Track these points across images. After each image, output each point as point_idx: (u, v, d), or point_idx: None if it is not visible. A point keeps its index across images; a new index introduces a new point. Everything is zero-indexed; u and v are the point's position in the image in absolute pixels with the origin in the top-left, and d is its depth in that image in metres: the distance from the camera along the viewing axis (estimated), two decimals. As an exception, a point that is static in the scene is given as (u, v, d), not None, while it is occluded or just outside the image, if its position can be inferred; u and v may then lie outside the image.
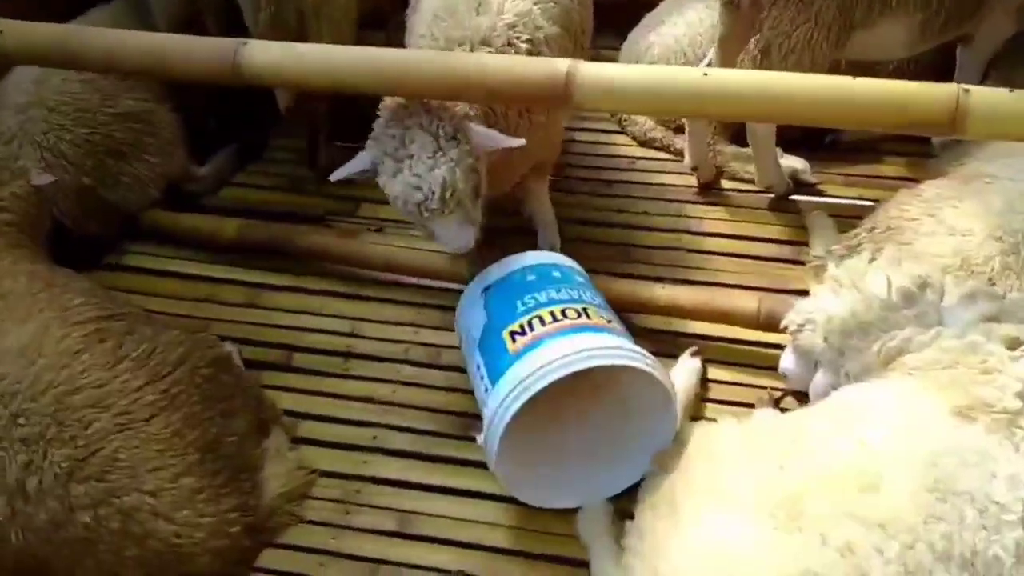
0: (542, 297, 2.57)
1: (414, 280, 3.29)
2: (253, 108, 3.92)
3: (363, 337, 3.12)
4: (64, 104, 3.37)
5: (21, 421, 2.25)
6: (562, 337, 2.44)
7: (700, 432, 2.47)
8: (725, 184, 3.62)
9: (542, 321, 2.50)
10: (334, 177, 2.62)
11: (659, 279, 3.22)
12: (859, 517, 1.94)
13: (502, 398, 2.37)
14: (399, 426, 2.85)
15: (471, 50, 2.58)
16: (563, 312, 2.51)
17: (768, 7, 2.95)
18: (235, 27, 3.47)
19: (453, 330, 3.06)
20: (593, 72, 2.32)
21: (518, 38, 2.65)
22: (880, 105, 2.15)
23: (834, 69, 2.92)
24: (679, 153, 3.71)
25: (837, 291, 2.51)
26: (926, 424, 2.07)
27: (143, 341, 2.52)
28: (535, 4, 2.74)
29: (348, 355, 3.07)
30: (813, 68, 2.94)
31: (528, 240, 3.36)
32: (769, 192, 3.49)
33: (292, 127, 3.90)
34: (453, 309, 3.12)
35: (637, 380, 2.48)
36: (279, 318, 3.20)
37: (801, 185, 3.52)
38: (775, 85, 2.22)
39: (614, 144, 3.88)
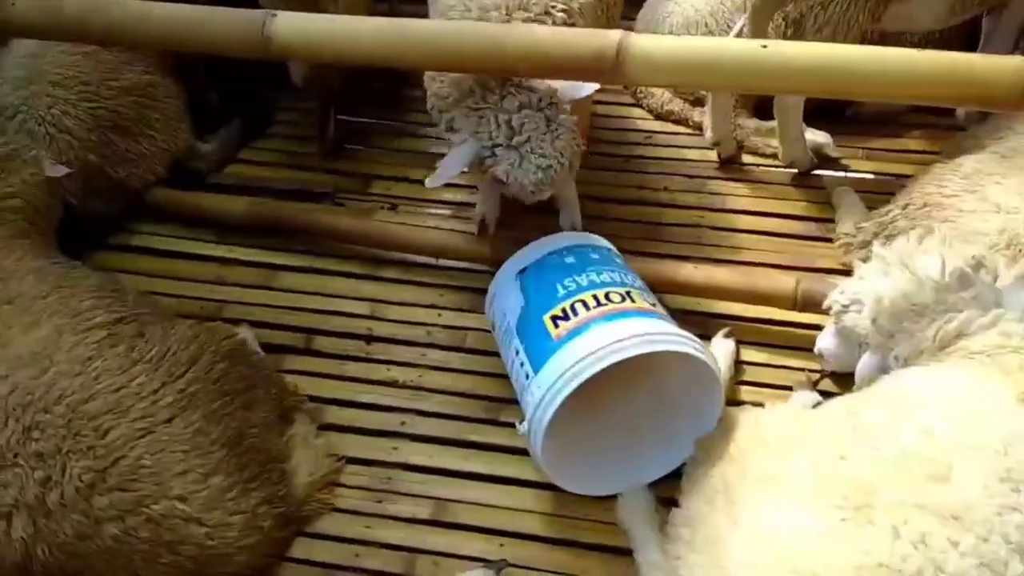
0: (583, 280, 2.50)
1: (432, 260, 3.19)
2: (255, 82, 3.81)
3: (384, 319, 3.03)
4: (67, 78, 3.23)
5: (35, 435, 2.14)
6: (608, 322, 2.37)
7: (748, 418, 2.41)
8: (746, 159, 3.54)
9: (586, 305, 2.43)
10: (432, 183, 2.56)
11: (684, 258, 3.15)
12: (931, 509, 1.88)
13: (548, 386, 2.30)
14: (427, 411, 2.77)
15: (507, 18, 2.48)
16: (607, 296, 2.45)
17: (805, -23, 2.88)
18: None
19: (476, 312, 3.00)
20: (645, 44, 2.25)
21: (554, 7, 2.55)
22: (946, 79, 2.08)
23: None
24: (697, 127, 3.63)
25: (886, 271, 2.44)
26: (994, 411, 2.02)
27: (155, 343, 2.42)
28: None
29: (370, 338, 2.98)
30: (846, 40, 2.86)
31: (546, 218, 3.27)
32: (792, 167, 3.42)
33: (296, 100, 3.80)
34: (475, 290, 3.08)
35: (681, 364, 2.43)
36: (295, 300, 3.10)
37: (824, 160, 3.45)
38: (841, 59, 2.15)
39: (629, 117, 3.79)
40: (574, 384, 2.26)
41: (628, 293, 2.47)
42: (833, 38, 2.87)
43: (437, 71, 2.49)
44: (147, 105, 3.39)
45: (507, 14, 2.50)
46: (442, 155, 3.52)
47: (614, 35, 2.25)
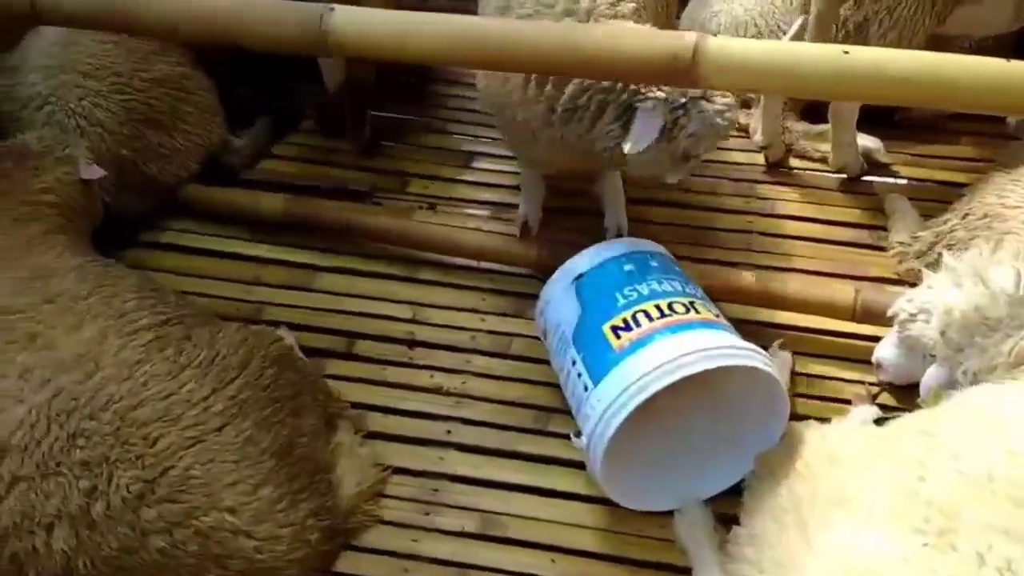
0: (644, 289, 2.43)
1: (472, 262, 3.11)
2: (284, 74, 3.72)
3: (426, 324, 2.95)
4: (98, 69, 3.13)
5: (81, 442, 2.04)
6: (673, 334, 2.30)
7: (814, 433, 2.33)
8: (794, 163, 3.47)
9: (648, 316, 2.35)
10: (633, 150, 2.38)
11: (733, 264, 3.08)
12: (1017, 534, 1.80)
13: (611, 400, 2.23)
14: (473, 420, 2.69)
15: (577, 16, 2.40)
16: (670, 306, 2.37)
17: (873, -22, 2.80)
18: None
19: (520, 317, 2.94)
20: (722, 47, 2.16)
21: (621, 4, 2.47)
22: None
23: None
24: (743, 129, 3.55)
25: (958, 282, 2.36)
26: (1080, 433, 1.95)
27: (203, 347, 2.32)
28: None
29: (412, 343, 2.89)
30: (911, 46, 2.80)
31: (590, 220, 3.20)
32: (842, 172, 3.35)
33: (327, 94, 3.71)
34: (518, 294, 3.01)
35: (744, 377, 2.35)
36: (334, 302, 3.01)
37: (874, 165, 3.38)
38: (933, 67, 2.07)
39: (673, 117, 3.70)
40: (639, 399, 2.19)
41: (692, 304, 2.39)
42: (899, 43, 2.80)
43: (504, 71, 2.39)
44: (180, 98, 3.30)
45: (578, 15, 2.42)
46: (477, 153, 3.54)
47: (690, 36, 2.17)
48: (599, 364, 2.33)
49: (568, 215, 3.25)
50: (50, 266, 2.44)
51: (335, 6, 2.31)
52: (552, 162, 2.82)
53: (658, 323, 2.32)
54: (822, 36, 2.89)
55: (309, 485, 2.31)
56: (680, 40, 2.15)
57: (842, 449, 2.21)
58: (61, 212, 2.71)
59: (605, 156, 2.51)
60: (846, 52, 2.08)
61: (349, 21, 2.29)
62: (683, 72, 2.16)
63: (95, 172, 2.85)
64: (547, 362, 2.71)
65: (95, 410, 2.08)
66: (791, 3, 3.39)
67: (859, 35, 2.83)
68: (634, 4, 2.48)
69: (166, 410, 2.13)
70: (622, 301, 2.40)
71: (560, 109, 2.47)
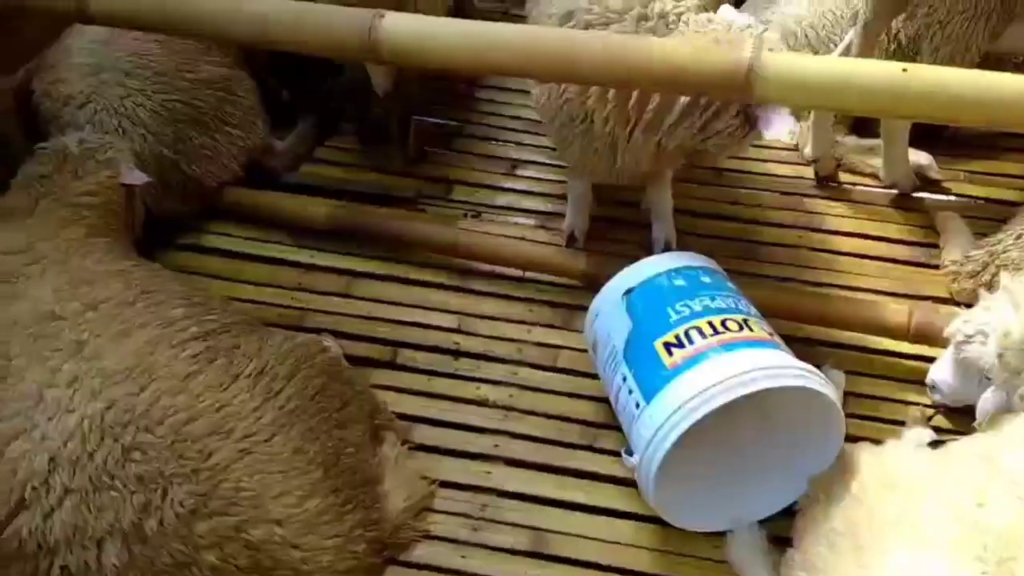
0: (696, 305, 2.39)
1: (518, 272, 3.07)
2: (324, 77, 3.70)
3: (471, 334, 2.91)
4: (141, 68, 3.12)
5: (136, 456, 1.99)
6: (727, 352, 2.26)
7: (870, 456, 2.29)
8: (844, 177, 3.43)
9: (701, 333, 2.31)
10: (770, 136, 2.37)
11: (783, 279, 3.05)
12: (1080, 565, 1.77)
13: (663, 419, 2.19)
14: (521, 434, 2.65)
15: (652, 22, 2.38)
16: (723, 323, 2.33)
17: (926, -7, 2.75)
18: None
19: (567, 329, 2.92)
20: (779, 63, 2.12)
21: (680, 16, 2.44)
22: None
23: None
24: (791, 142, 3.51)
25: (1016, 304, 2.31)
26: None
27: (252, 357, 2.29)
28: None
29: (457, 353, 2.86)
30: (963, 63, 2.75)
31: (637, 233, 3.17)
32: (893, 188, 3.31)
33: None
34: (564, 306, 2.98)
35: (798, 397, 2.30)
36: (378, 310, 2.98)
37: (925, 182, 3.34)
38: (990, 86, 2.02)
39: (720, 130, 3.66)
40: (693, 419, 2.15)
41: (745, 321, 2.35)
42: (951, 59, 2.75)
43: (557, 82, 2.36)
44: (224, 99, 3.27)
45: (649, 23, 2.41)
46: (523, 161, 3.52)
47: (745, 51, 2.13)
48: (651, 381, 2.29)
49: (614, 226, 3.22)
50: (92, 270, 2.40)
51: (385, 12, 2.27)
52: (608, 171, 2.77)
53: (712, 340, 2.28)
54: (867, 49, 2.85)
55: (355, 496, 2.27)
56: (735, 55, 2.11)
57: (898, 473, 2.18)
58: (102, 215, 2.67)
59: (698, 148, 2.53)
60: (904, 70, 2.03)
61: (400, 29, 2.25)
62: (738, 88, 2.12)
63: (138, 177, 2.81)
64: (595, 375, 2.68)
65: (151, 423, 2.03)
66: (843, 15, 3.33)
67: (910, 50, 2.79)
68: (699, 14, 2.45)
69: (220, 423, 2.10)
70: (674, 317, 2.36)
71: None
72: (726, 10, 2.46)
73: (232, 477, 2.05)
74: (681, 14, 2.41)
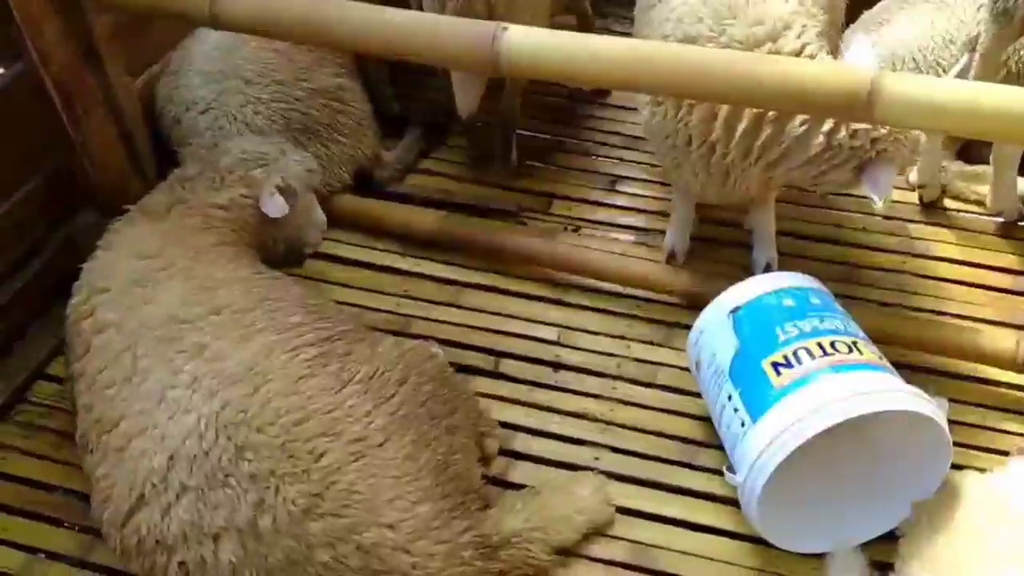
0: (805, 326, 2.39)
1: (618, 287, 3.10)
2: (434, 90, 3.77)
3: (571, 347, 2.95)
4: (261, 76, 3.21)
5: (249, 455, 2.06)
6: (836, 373, 2.26)
7: (978, 485, 2.28)
8: (948, 203, 3.40)
9: (810, 353, 2.32)
10: (878, 199, 2.46)
11: (886, 304, 3.04)
12: None
13: (771, 438, 2.20)
14: (621, 448, 2.67)
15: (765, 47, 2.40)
16: (832, 345, 2.33)
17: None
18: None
19: (666, 347, 2.94)
20: (901, 84, 2.11)
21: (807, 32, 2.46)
22: None
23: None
24: (895, 166, 3.49)
25: None
26: None
27: (363, 362, 2.33)
28: None
29: (557, 365, 2.89)
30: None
31: (737, 252, 3.18)
32: (999, 216, 3.27)
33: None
34: (663, 323, 3.01)
35: (904, 421, 2.29)
36: (481, 319, 3.03)
37: (1032, 210, 3.29)
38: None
39: (822, 151, 3.65)
40: (800, 440, 2.16)
41: (855, 344, 2.35)
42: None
43: (675, 97, 2.39)
44: (338, 109, 3.36)
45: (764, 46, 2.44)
46: (623, 177, 3.54)
47: (866, 73, 2.13)
48: (758, 400, 2.31)
49: (714, 246, 3.24)
50: (217, 277, 2.46)
51: (509, 25, 2.32)
52: (716, 193, 2.79)
53: (821, 361, 2.29)
54: (987, 75, 2.82)
55: (461, 504, 2.31)
56: (856, 75, 2.11)
57: (1011, 504, 2.16)
58: (234, 228, 2.74)
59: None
60: (1031, 95, 2.03)
61: (523, 42, 2.29)
62: (860, 110, 2.12)
63: (277, 208, 2.83)
64: (693, 393, 2.70)
65: (263, 423, 2.10)
66: (952, 39, 3.30)
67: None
68: (817, 30, 2.47)
69: (330, 424, 2.15)
70: (783, 337, 2.37)
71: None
72: (856, 51, 2.47)
73: (345, 480, 2.10)
74: (814, 56, 2.42)
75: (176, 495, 2.05)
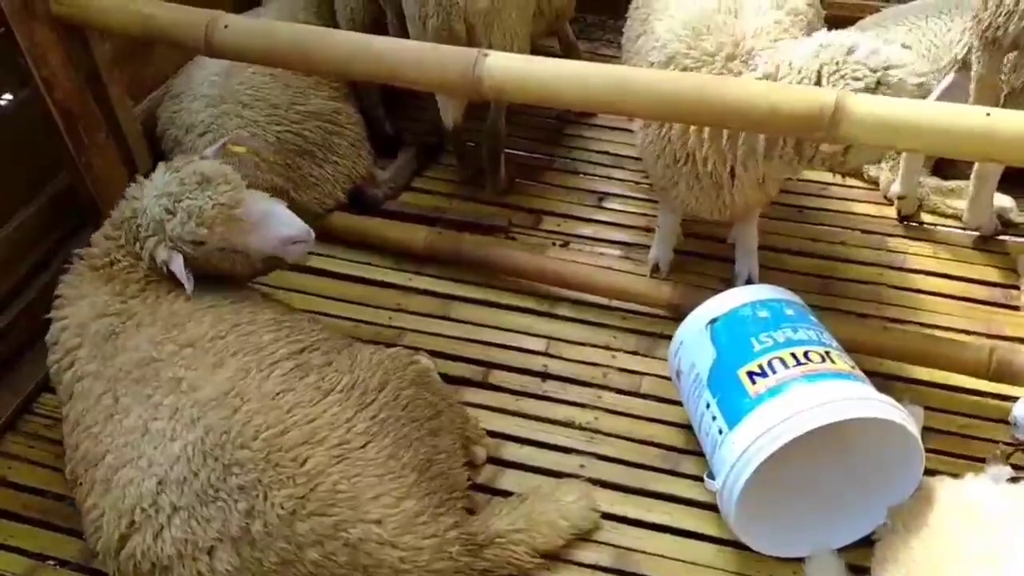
0: (779, 336, 2.48)
1: (606, 301, 3.20)
2: (426, 110, 3.87)
3: (559, 358, 3.05)
4: (257, 100, 3.33)
5: (235, 470, 2.16)
6: (808, 383, 2.35)
7: (951, 490, 2.34)
8: (925, 217, 3.50)
9: (784, 363, 2.41)
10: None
11: (863, 316, 3.13)
12: None
13: (746, 445, 2.29)
14: (606, 456, 2.76)
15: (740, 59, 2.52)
16: (806, 354, 2.42)
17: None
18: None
19: (650, 357, 3.02)
20: (863, 105, 2.20)
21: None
22: None
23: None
24: (872, 181, 3.59)
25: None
26: None
27: (343, 373, 2.43)
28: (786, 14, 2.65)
29: (545, 375, 2.99)
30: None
31: (720, 266, 3.28)
32: (976, 230, 3.36)
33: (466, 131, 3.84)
34: (648, 334, 3.09)
35: (877, 429, 2.38)
36: (472, 332, 3.13)
37: (1007, 225, 3.39)
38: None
39: (802, 168, 3.75)
40: (775, 446, 2.25)
41: (827, 353, 2.44)
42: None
43: (645, 119, 2.49)
44: (332, 131, 3.48)
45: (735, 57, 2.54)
46: (609, 194, 3.64)
47: (831, 93, 2.23)
48: (734, 408, 2.40)
49: (697, 259, 3.34)
50: (182, 313, 2.48)
51: (489, 52, 2.42)
52: (712, 207, 2.88)
53: (794, 370, 2.38)
54: (985, 98, 2.89)
55: (447, 501, 2.40)
56: (821, 96, 2.21)
57: (983, 507, 2.22)
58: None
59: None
60: (988, 115, 2.12)
61: (503, 68, 2.40)
62: (825, 129, 2.21)
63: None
64: (677, 402, 2.79)
65: (246, 440, 2.19)
66: (936, 58, 3.37)
67: (1015, 100, 2.84)
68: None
69: (311, 433, 2.25)
70: (757, 347, 2.46)
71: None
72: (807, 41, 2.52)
73: (328, 480, 2.20)
74: (765, 48, 2.52)
75: (168, 517, 2.15)
